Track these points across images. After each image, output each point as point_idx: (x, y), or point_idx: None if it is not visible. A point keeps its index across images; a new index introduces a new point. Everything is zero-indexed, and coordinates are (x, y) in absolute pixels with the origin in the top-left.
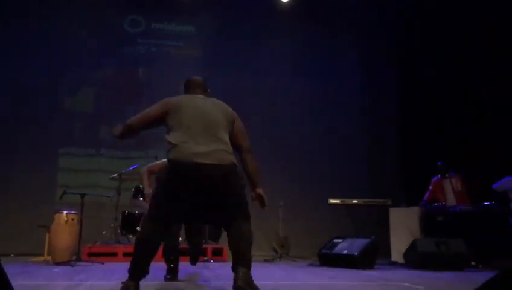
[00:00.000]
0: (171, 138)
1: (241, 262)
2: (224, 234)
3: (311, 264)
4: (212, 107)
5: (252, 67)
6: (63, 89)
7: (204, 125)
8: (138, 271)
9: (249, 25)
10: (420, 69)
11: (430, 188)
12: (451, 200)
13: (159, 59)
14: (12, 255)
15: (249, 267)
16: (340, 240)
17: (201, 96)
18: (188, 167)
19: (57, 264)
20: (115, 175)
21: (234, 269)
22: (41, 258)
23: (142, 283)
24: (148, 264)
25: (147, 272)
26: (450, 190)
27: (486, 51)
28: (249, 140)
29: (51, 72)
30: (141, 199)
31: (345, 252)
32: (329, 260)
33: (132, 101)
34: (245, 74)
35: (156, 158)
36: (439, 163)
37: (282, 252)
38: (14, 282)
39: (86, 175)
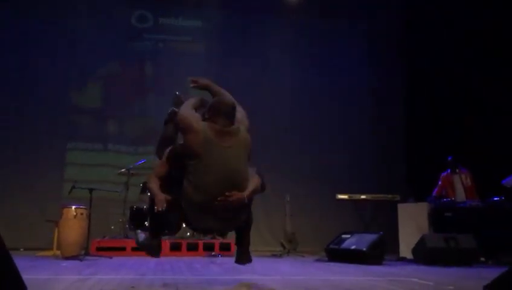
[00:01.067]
0: (190, 184)
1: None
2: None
3: (319, 260)
4: (235, 154)
5: (259, 61)
6: (71, 84)
7: (224, 177)
8: (158, 228)
9: (256, 18)
10: (429, 63)
11: (439, 183)
12: (460, 195)
13: (166, 54)
14: (21, 249)
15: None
16: (348, 236)
17: (227, 143)
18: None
19: (66, 258)
20: (123, 170)
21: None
22: (50, 253)
23: (151, 277)
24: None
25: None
26: (459, 186)
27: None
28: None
29: (59, 67)
30: (149, 194)
31: (353, 247)
32: (337, 255)
33: (140, 96)
34: (252, 68)
35: None
36: (449, 158)
37: (289, 247)
38: (24, 276)
39: (93, 170)
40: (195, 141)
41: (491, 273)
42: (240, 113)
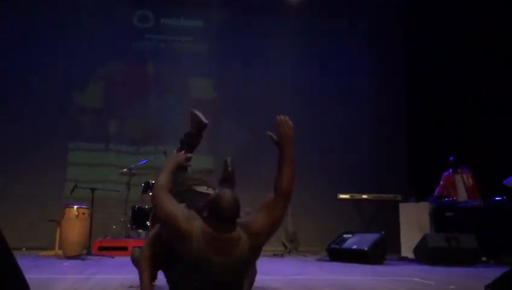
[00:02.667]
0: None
1: None
2: None
3: (320, 259)
4: (230, 268)
5: (259, 61)
6: (72, 84)
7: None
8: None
9: (258, 18)
10: (429, 63)
11: (441, 183)
12: (462, 195)
13: (167, 54)
14: (23, 249)
15: None
16: (349, 235)
17: (221, 258)
18: None
19: (68, 258)
20: (125, 170)
21: None
22: (52, 252)
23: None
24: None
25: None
26: (461, 185)
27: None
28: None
29: (60, 67)
30: (150, 193)
31: (354, 247)
32: (339, 255)
33: (141, 96)
34: (253, 67)
35: (165, 153)
36: (450, 158)
37: (291, 247)
38: (26, 275)
39: (95, 170)
40: (185, 250)
41: (492, 273)
42: (251, 212)
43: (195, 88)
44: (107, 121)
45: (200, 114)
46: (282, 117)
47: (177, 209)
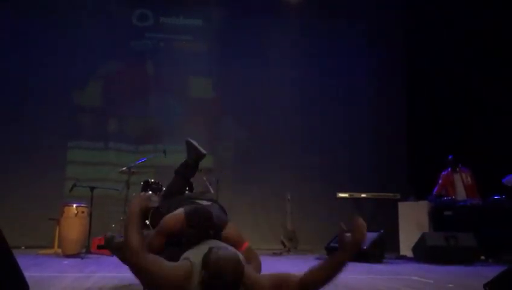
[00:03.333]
0: None
1: None
2: None
3: (319, 258)
4: None
5: (259, 61)
6: (72, 83)
7: None
8: None
9: (257, 18)
10: (429, 63)
11: (440, 182)
12: (461, 194)
13: (167, 53)
14: (23, 247)
15: None
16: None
17: None
18: None
19: (67, 256)
20: (124, 169)
21: None
22: (51, 251)
23: None
24: None
25: None
26: (460, 184)
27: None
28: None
29: (59, 66)
30: (150, 192)
31: None
32: None
33: (141, 95)
34: (253, 66)
35: (165, 152)
36: (449, 157)
37: (290, 245)
38: (26, 274)
39: (94, 168)
40: None
41: (491, 272)
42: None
43: (195, 87)
44: (107, 119)
45: (196, 144)
46: (362, 222)
47: (168, 270)
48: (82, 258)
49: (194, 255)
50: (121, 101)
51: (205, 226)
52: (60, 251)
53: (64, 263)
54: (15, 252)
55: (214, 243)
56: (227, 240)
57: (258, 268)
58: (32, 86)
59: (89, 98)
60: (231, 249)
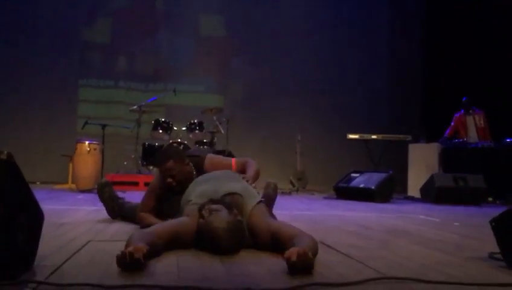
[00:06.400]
0: None
1: None
2: None
3: (327, 197)
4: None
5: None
6: (80, 20)
7: None
8: None
9: None
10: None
11: (452, 124)
12: (473, 136)
13: None
14: (38, 182)
15: None
16: (357, 175)
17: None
18: None
19: (81, 191)
20: (135, 107)
21: None
22: (65, 186)
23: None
24: None
25: None
26: (472, 127)
27: None
28: None
29: (68, 2)
30: (160, 131)
31: (361, 185)
32: (346, 193)
33: (149, 32)
34: (266, 4)
35: (175, 91)
36: (463, 99)
37: (299, 185)
38: (43, 206)
39: (105, 107)
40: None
41: (498, 212)
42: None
43: (205, 25)
44: (116, 57)
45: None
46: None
47: (191, 222)
48: (95, 193)
49: (195, 197)
50: (130, 39)
51: (166, 156)
52: (74, 186)
53: (78, 197)
54: (31, 186)
55: (203, 178)
56: (215, 167)
57: (256, 175)
58: (41, 23)
59: (97, 35)
60: (224, 212)
